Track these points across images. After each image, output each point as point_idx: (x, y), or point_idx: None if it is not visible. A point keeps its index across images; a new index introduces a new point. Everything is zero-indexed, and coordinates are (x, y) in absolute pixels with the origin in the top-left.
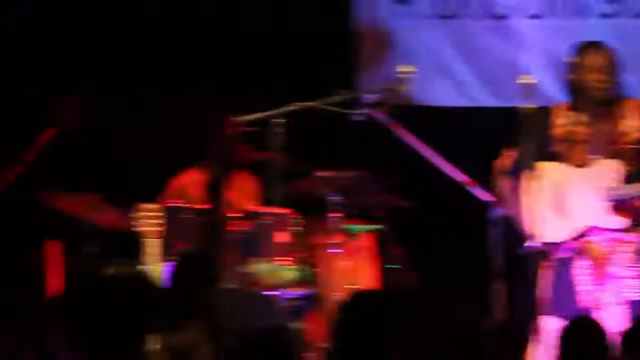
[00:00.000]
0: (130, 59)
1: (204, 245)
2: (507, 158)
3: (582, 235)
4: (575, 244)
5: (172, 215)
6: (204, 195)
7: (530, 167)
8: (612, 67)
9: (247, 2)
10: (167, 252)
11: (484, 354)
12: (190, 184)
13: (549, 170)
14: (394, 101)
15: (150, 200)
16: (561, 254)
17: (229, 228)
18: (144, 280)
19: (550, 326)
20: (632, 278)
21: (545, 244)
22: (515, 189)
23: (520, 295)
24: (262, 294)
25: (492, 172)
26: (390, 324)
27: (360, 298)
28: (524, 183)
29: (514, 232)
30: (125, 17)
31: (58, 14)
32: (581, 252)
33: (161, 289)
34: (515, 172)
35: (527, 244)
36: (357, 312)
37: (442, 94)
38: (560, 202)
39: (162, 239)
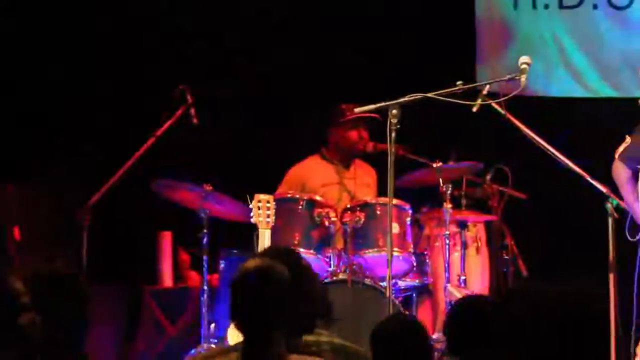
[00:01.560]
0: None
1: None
2: (624, 144)
3: None
4: None
5: (283, 205)
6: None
7: None
8: None
9: None
10: (279, 243)
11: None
12: (308, 172)
13: None
14: (513, 92)
15: (269, 190)
16: None
17: (344, 218)
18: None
19: None
20: None
21: None
22: (630, 177)
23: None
24: (373, 286)
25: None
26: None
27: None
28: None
29: (630, 222)
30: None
31: None
32: None
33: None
34: (630, 160)
35: None
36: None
37: (560, 85)
38: None
39: (273, 230)
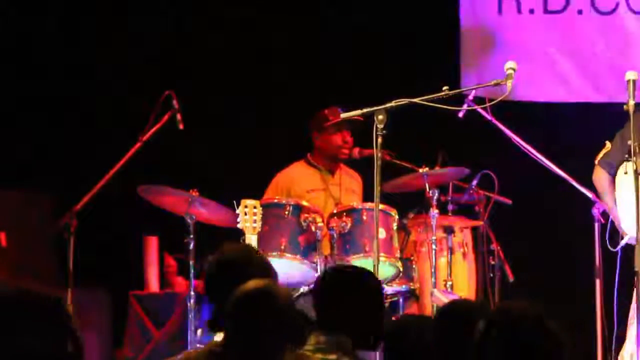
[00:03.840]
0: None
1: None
2: (604, 149)
3: None
4: None
5: (269, 211)
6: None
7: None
8: None
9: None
10: (265, 248)
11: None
12: (294, 178)
13: None
14: (498, 97)
15: (256, 195)
16: None
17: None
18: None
19: None
20: None
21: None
22: (611, 183)
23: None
24: None
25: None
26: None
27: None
28: (618, 178)
29: (610, 230)
30: None
31: None
32: None
33: None
34: (609, 166)
35: (623, 240)
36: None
37: (545, 90)
38: None
39: (260, 235)
